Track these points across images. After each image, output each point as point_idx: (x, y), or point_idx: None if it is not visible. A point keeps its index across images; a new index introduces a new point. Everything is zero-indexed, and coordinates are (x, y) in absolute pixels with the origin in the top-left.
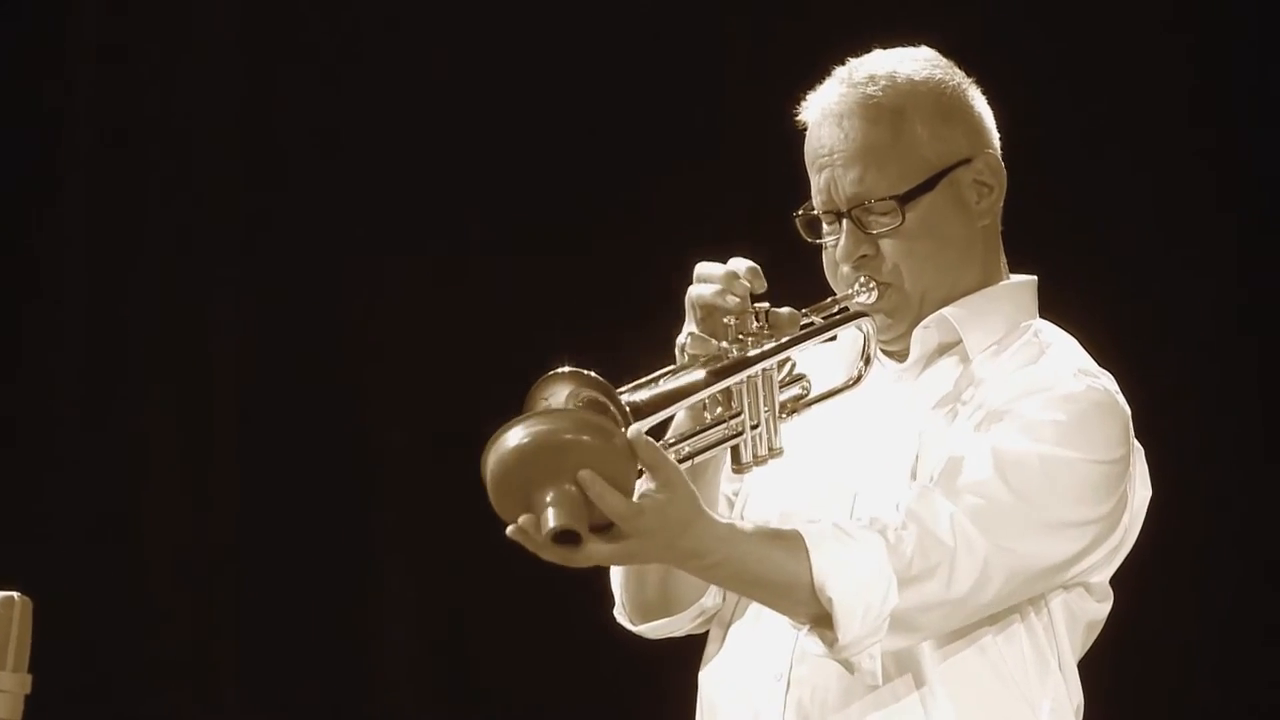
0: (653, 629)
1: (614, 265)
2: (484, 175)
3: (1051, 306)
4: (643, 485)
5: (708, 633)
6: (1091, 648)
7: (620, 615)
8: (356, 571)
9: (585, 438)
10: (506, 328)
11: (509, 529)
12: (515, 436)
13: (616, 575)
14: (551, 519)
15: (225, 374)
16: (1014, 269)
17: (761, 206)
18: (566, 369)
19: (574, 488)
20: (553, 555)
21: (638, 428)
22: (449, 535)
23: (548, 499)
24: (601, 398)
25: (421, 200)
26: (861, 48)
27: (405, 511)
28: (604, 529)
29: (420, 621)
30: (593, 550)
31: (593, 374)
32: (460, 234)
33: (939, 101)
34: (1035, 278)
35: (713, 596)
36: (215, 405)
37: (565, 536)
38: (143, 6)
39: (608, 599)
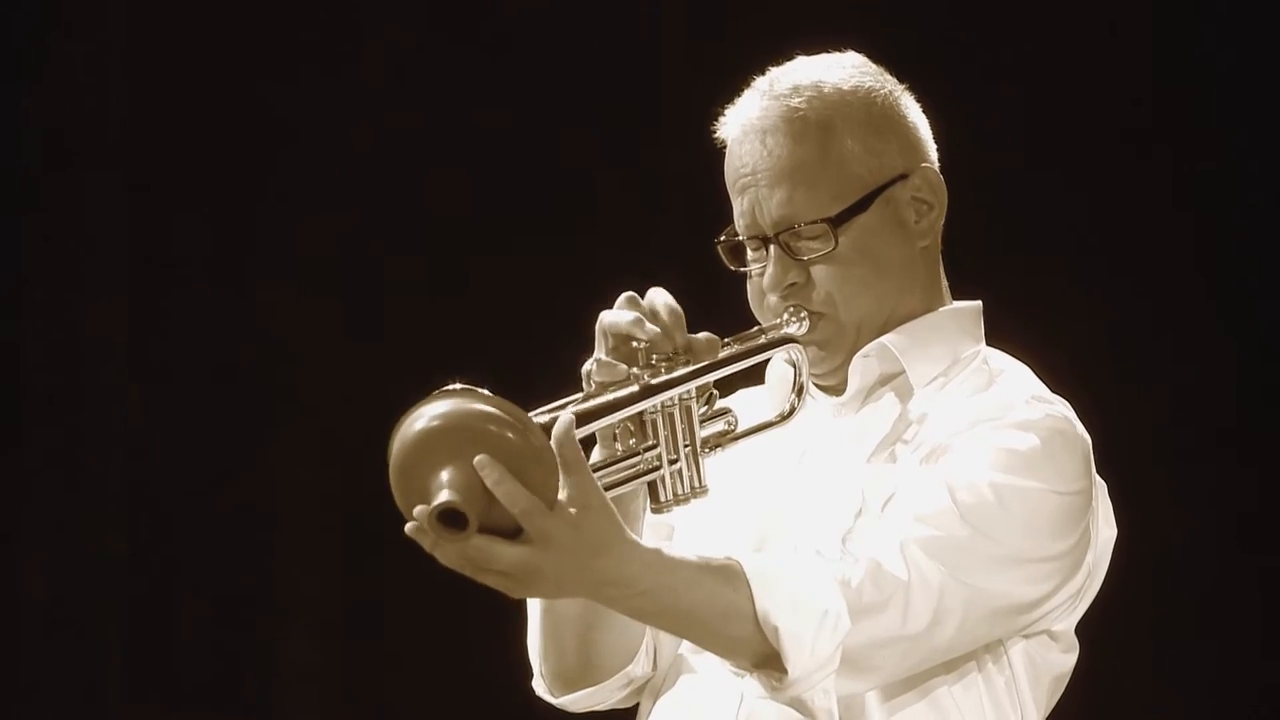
0: (574, 701)
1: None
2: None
3: (998, 334)
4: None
5: (636, 707)
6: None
7: (539, 686)
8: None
9: (493, 427)
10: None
11: (407, 525)
12: (419, 419)
13: (534, 640)
14: (439, 496)
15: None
16: (956, 295)
17: (682, 235)
18: (458, 386)
19: (473, 472)
20: (445, 552)
21: (568, 415)
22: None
23: (442, 478)
24: None
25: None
26: (782, 55)
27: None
28: (506, 533)
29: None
30: (492, 550)
31: (485, 392)
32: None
33: (870, 112)
34: (980, 303)
35: (641, 664)
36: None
37: (451, 518)
38: None
39: (525, 668)
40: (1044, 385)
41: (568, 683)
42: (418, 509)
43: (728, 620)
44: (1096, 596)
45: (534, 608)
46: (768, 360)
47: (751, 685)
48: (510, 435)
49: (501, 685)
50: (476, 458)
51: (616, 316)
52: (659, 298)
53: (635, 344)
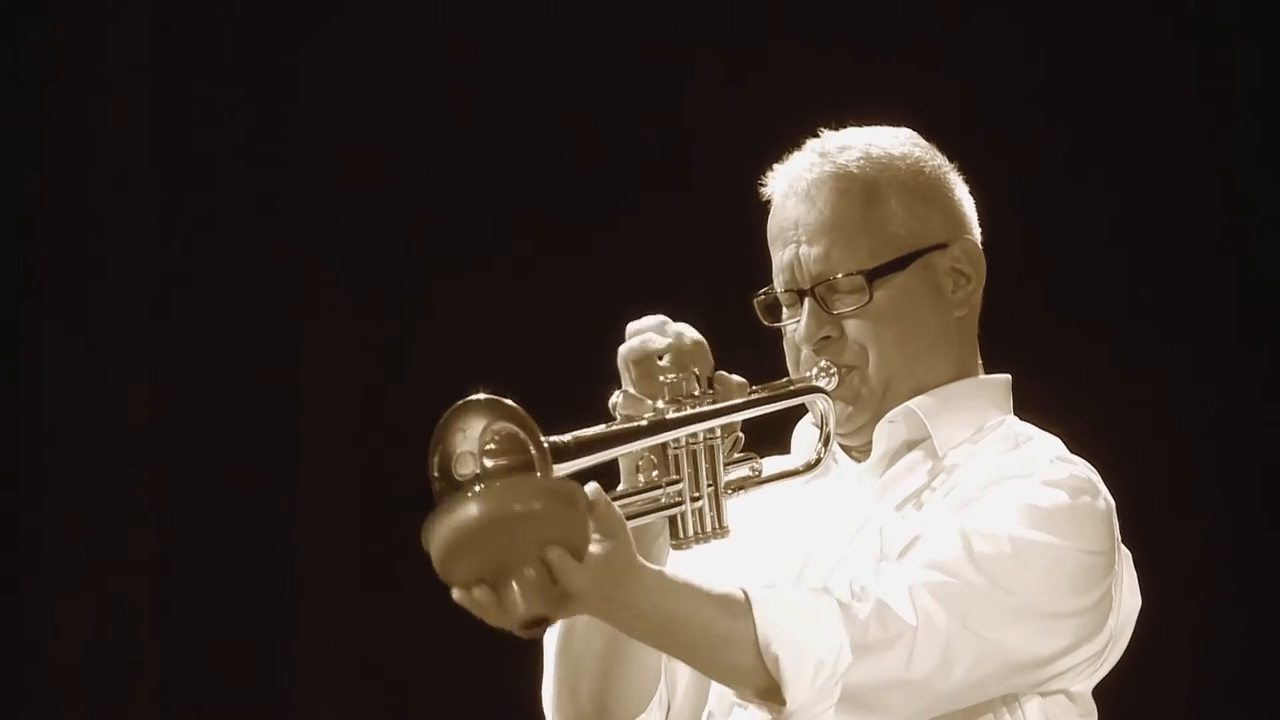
0: None
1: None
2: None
3: (1028, 410)
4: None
5: None
6: None
7: None
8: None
9: (542, 506)
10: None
11: (457, 595)
12: (473, 509)
13: (549, 687)
14: (524, 607)
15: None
16: (989, 370)
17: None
18: (482, 397)
19: (537, 571)
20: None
21: (595, 487)
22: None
23: (515, 582)
24: (521, 433)
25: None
26: (833, 121)
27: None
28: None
29: None
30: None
31: (511, 403)
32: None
33: (917, 180)
34: (1009, 376)
35: (654, 715)
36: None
37: (537, 622)
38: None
39: (536, 711)
40: (1069, 452)
41: None
42: (481, 593)
43: (728, 647)
44: (1122, 663)
45: (550, 654)
46: (794, 410)
47: None
48: (559, 510)
49: None
50: (550, 554)
51: (629, 343)
52: (671, 326)
53: (662, 379)
